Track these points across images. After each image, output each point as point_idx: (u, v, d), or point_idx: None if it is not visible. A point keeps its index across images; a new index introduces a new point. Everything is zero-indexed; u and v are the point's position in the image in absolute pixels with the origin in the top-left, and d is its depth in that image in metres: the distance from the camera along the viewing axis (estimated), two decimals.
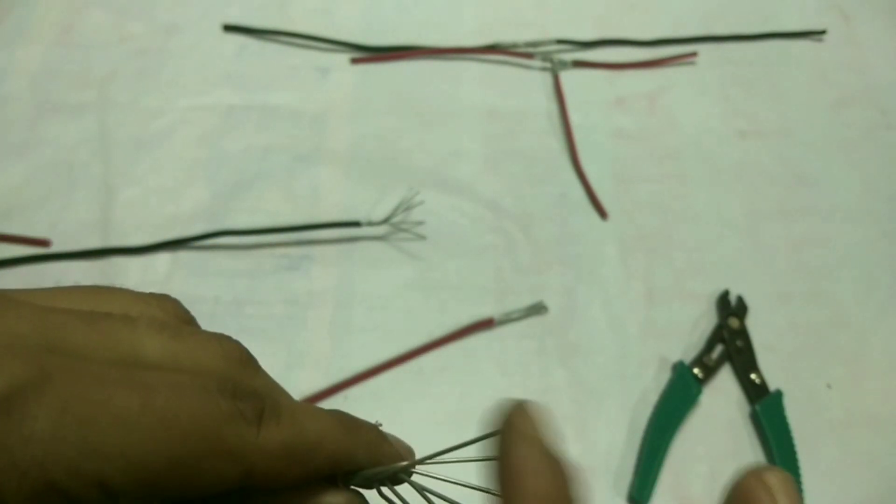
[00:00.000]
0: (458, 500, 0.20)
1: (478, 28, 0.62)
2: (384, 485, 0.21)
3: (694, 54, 0.61)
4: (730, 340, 0.48)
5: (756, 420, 0.46)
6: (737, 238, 0.53)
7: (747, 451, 0.46)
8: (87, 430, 0.15)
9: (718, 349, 0.48)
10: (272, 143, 0.56)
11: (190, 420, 0.17)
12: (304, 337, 0.48)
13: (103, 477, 0.15)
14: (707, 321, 0.50)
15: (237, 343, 0.20)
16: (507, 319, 0.49)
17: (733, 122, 0.59)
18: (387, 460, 0.21)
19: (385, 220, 0.51)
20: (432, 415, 0.45)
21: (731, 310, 0.49)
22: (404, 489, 0.21)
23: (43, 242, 0.50)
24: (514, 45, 0.60)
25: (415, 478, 0.21)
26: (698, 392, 0.46)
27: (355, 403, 0.45)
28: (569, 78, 0.59)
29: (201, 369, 0.19)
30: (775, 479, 0.18)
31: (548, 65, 0.60)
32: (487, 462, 0.20)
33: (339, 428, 0.20)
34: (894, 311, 0.51)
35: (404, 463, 0.21)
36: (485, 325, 0.48)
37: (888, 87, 0.61)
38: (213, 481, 0.17)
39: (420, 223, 0.52)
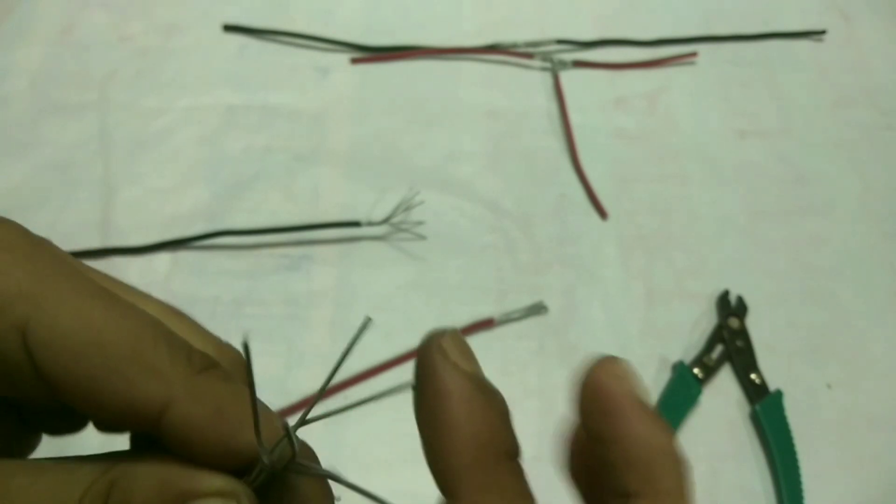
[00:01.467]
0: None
1: (478, 28, 0.62)
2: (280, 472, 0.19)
3: (694, 54, 0.61)
4: (730, 340, 0.48)
5: (756, 420, 0.46)
6: (737, 238, 0.53)
7: (747, 451, 0.46)
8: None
9: (718, 349, 0.48)
10: (272, 143, 0.56)
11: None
12: (304, 337, 0.48)
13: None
14: (707, 321, 0.50)
15: None
16: (507, 319, 0.49)
17: (733, 122, 0.59)
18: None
19: (385, 220, 0.51)
20: None
21: (731, 310, 0.49)
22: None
23: None
24: (514, 45, 0.60)
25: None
26: (698, 392, 0.46)
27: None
28: (569, 78, 0.59)
29: None
30: (619, 366, 0.19)
31: (548, 65, 0.60)
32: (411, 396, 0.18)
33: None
34: (894, 311, 0.51)
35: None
36: (485, 325, 0.48)
37: (888, 87, 0.61)
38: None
39: (420, 223, 0.52)
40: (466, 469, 0.17)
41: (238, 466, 0.18)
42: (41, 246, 0.19)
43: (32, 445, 0.23)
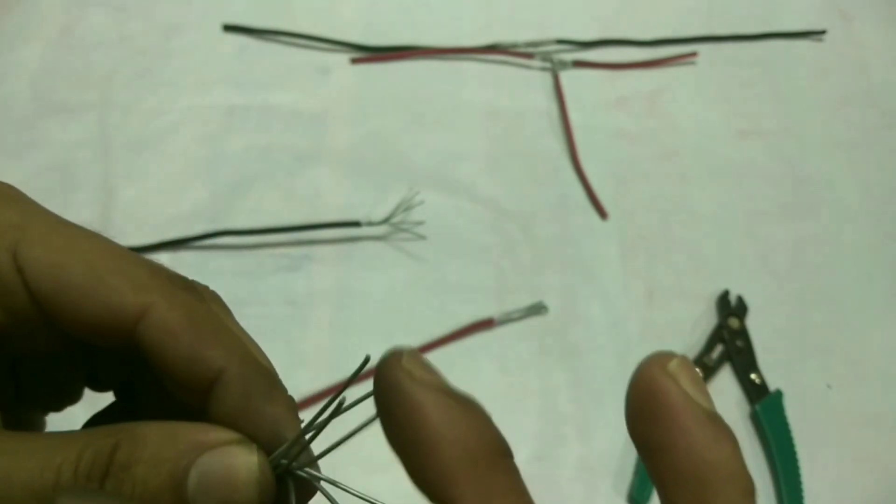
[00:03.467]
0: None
1: (478, 28, 0.62)
2: (300, 475, 0.19)
3: (694, 54, 0.61)
4: (730, 340, 0.48)
5: (756, 420, 0.46)
6: (737, 238, 0.53)
7: (747, 451, 0.46)
8: None
9: (718, 349, 0.48)
10: (272, 143, 0.56)
11: None
12: (304, 337, 0.48)
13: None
14: (707, 321, 0.49)
15: None
16: (507, 319, 0.49)
17: (733, 122, 0.59)
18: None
19: (385, 220, 0.51)
20: None
21: (731, 310, 0.49)
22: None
23: None
24: (514, 45, 0.60)
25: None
26: None
27: (355, 409, 0.45)
28: (569, 78, 0.59)
29: None
30: (675, 363, 0.16)
31: (548, 65, 0.60)
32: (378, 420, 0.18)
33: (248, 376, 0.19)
34: (894, 311, 0.51)
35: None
36: (485, 325, 0.48)
37: (888, 87, 0.61)
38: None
39: (420, 223, 0.52)
40: (461, 476, 0.16)
41: (204, 379, 0.19)
42: (35, 203, 0.21)
43: (38, 427, 0.23)
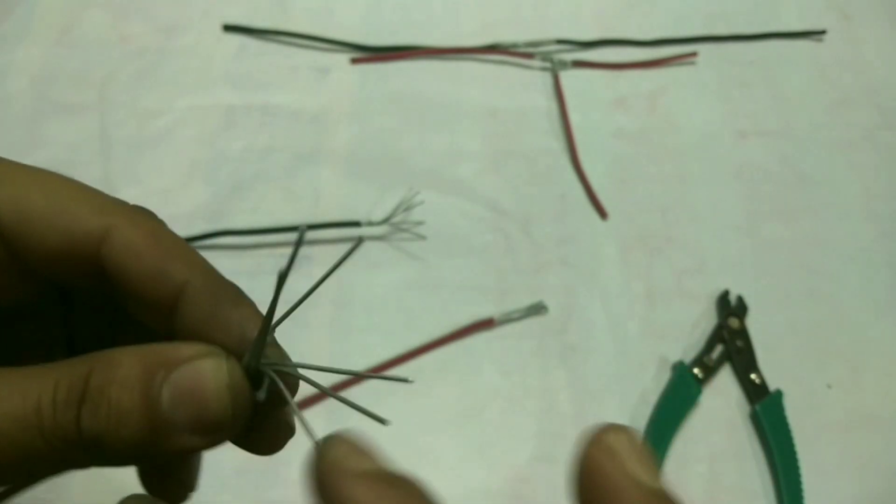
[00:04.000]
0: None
1: (478, 28, 0.62)
2: (268, 371, 0.19)
3: (694, 54, 0.61)
4: (730, 340, 0.48)
5: (756, 420, 0.46)
6: (737, 238, 0.53)
7: (747, 451, 0.46)
8: None
9: (718, 349, 0.48)
10: (272, 143, 0.56)
11: None
12: (304, 337, 0.48)
13: None
14: (707, 321, 0.50)
15: None
16: (507, 319, 0.49)
17: (733, 122, 0.59)
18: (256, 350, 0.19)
19: (385, 220, 0.51)
20: (432, 415, 0.45)
21: (731, 310, 0.49)
22: None
23: None
24: (514, 45, 0.60)
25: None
26: (698, 392, 0.46)
27: (355, 401, 0.45)
28: (569, 78, 0.59)
29: None
30: (617, 439, 0.16)
31: (548, 65, 0.60)
32: None
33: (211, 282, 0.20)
34: (894, 311, 0.51)
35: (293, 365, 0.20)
36: (485, 325, 0.48)
37: (888, 87, 0.61)
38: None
39: (420, 223, 0.52)
40: None
41: (169, 295, 0.19)
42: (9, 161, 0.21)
43: None
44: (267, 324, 0.19)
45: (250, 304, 0.21)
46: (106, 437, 0.17)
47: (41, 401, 0.17)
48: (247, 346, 0.19)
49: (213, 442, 0.18)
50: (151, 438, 0.17)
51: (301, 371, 0.20)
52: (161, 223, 0.21)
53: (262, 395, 0.19)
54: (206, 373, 0.18)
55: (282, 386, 0.19)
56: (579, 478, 0.17)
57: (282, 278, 0.17)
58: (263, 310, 0.19)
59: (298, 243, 0.18)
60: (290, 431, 0.22)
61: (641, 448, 0.16)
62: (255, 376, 0.19)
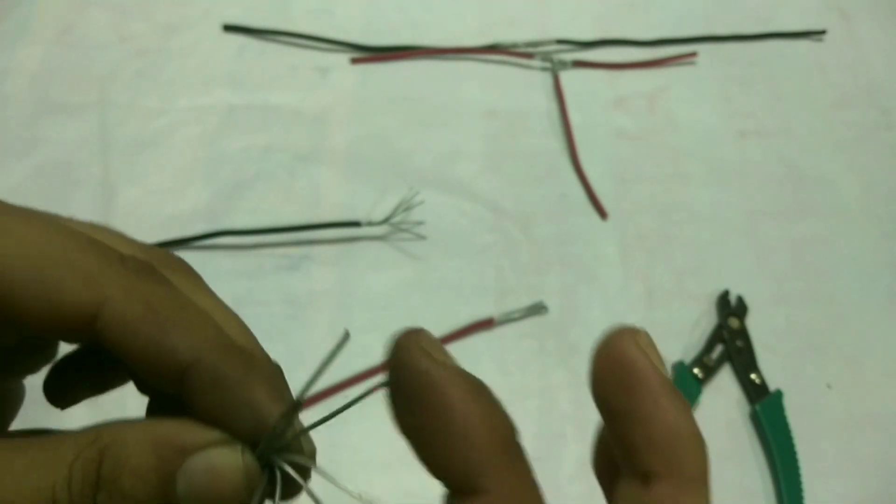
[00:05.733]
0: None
1: (478, 28, 0.62)
2: (283, 461, 0.18)
3: (694, 54, 0.61)
4: (730, 340, 0.48)
5: (756, 420, 0.46)
6: (737, 238, 0.53)
7: (747, 451, 0.46)
8: None
9: (718, 349, 0.48)
10: (272, 143, 0.56)
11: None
12: (303, 337, 0.48)
13: None
14: (707, 321, 0.50)
15: None
16: (507, 319, 0.49)
17: (733, 122, 0.59)
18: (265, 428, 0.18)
19: (385, 220, 0.51)
20: None
21: (731, 310, 0.49)
22: None
23: None
24: (514, 45, 0.60)
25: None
26: (698, 392, 0.46)
27: (356, 405, 0.45)
28: (569, 78, 0.59)
29: None
30: (644, 338, 0.18)
31: (548, 65, 0.60)
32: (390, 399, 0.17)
33: (222, 352, 0.18)
34: (894, 311, 0.51)
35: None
36: (485, 325, 0.48)
37: (888, 87, 0.61)
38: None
39: (420, 223, 0.52)
40: (491, 466, 0.16)
41: (173, 372, 0.18)
42: None
43: (18, 397, 0.23)
44: (284, 417, 0.18)
45: (264, 377, 0.19)
46: None
47: (56, 492, 0.17)
48: (260, 427, 0.18)
49: None
50: None
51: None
52: (159, 283, 0.19)
53: (279, 489, 0.19)
54: (221, 466, 0.18)
55: (299, 479, 0.18)
56: (608, 367, 0.18)
57: (299, 402, 0.17)
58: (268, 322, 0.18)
59: (338, 347, 0.18)
60: (300, 490, 0.21)
61: (657, 349, 0.18)
62: (270, 464, 0.19)
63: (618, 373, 0.17)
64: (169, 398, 0.19)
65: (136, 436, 0.17)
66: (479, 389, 0.17)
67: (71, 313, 0.18)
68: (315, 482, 0.19)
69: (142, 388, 0.21)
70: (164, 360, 0.18)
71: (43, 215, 0.19)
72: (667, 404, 0.17)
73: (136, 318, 0.18)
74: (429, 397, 0.17)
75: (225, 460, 0.18)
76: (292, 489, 0.19)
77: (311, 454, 0.20)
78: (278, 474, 0.19)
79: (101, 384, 0.23)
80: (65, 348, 0.23)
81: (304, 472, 0.19)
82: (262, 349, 0.21)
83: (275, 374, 0.20)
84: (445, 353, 0.17)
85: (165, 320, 0.18)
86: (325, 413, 0.19)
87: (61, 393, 0.22)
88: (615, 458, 0.18)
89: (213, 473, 0.17)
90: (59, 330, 0.18)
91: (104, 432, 0.18)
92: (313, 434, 0.20)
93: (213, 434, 0.18)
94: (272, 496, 0.19)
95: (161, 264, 0.20)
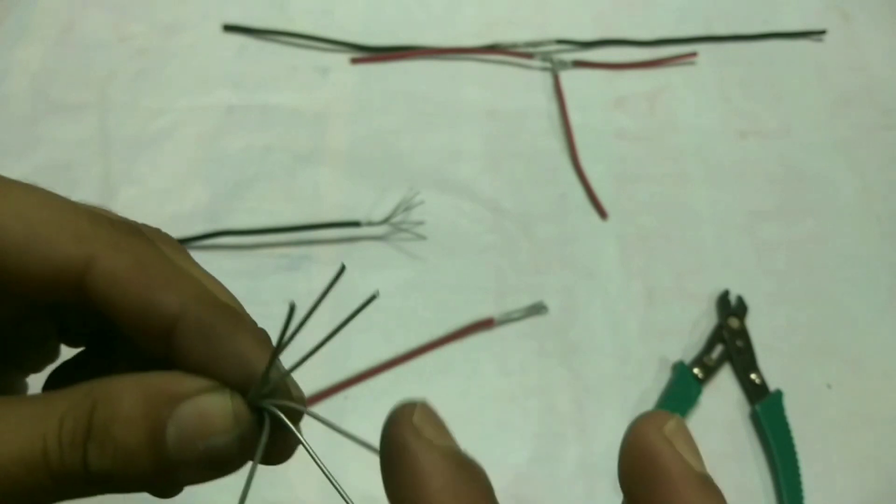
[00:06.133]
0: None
1: (478, 28, 0.62)
2: (272, 405, 0.19)
3: (694, 54, 0.61)
4: (730, 340, 0.48)
5: (756, 420, 0.46)
6: (737, 238, 0.53)
7: (747, 451, 0.46)
8: None
9: (718, 349, 0.48)
10: (272, 143, 0.56)
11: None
12: (304, 337, 0.47)
13: None
14: (707, 321, 0.50)
15: None
16: (507, 319, 0.49)
17: (733, 122, 0.59)
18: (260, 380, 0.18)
19: (385, 220, 0.51)
20: None
21: (731, 310, 0.49)
22: None
23: None
24: (514, 45, 0.60)
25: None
26: (698, 392, 0.46)
27: (355, 403, 0.46)
28: (569, 78, 0.59)
29: None
30: (671, 425, 0.17)
31: (548, 65, 0.60)
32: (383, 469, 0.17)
33: (212, 309, 0.19)
34: (894, 311, 0.51)
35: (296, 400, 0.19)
36: (485, 325, 0.48)
37: (888, 87, 0.61)
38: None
39: (420, 223, 0.52)
40: None
41: (162, 327, 0.18)
42: None
43: (19, 391, 0.23)
44: (272, 359, 0.18)
45: (250, 331, 0.20)
46: (113, 475, 0.17)
47: (47, 442, 0.17)
48: (249, 376, 0.19)
49: (220, 475, 0.18)
50: (158, 475, 0.17)
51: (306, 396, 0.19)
52: (147, 243, 0.20)
53: (266, 431, 0.19)
54: (211, 411, 0.18)
55: (289, 424, 0.19)
56: (633, 458, 0.17)
57: (291, 311, 0.17)
58: (264, 310, 0.18)
59: (289, 318, 0.18)
60: (296, 443, 0.21)
61: (690, 435, 0.17)
62: (260, 409, 0.19)
63: (642, 464, 0.17)
64: (160, 364, 0.19)
65: (128, 386, 0.18)
66: (464, 476, 0.16)
67: (61, 268, 0.18)
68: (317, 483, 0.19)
69: (136, 367, 0.21)
70: (152, 315, 0.18)
71: (40, 188, 0.20)
72: (690, 496, 0.16)
73: (124, 273, 0.18)
74: (406, 481, 0.16)
75: (214, 405, 0.18)
76: (284, 436, 0.19)
77: (301, 400, 0.20)
78: (267, 418, 0.19)
79: None
80: (66, 352, 0.23)
81: (296, 418, 0.19)
82: (247, 312, 0.21)
83: (261, 331, 0.20)
84: (441, 432, 0.17)
85: (154, 276, 0.19)
86: (325, 414, 0.19)
87: None
88: None
89: (203, 418, 0.18)
90: (51, 287, 0.18)
91: (97, 385, 0.18)
92: (312, 423, 0.20)
93: (202, 382, 0.18)
94: (264, 443, 0.19)
95: (150, 234, 0.21)
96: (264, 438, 0.19)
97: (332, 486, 0.19)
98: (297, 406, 0.19)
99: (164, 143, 0.55)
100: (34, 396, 0.18)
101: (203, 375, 0.18)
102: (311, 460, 0.19)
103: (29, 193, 0.19)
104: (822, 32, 0.64)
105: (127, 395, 0.17)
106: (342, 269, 0.18)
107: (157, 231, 0.22)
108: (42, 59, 0.59)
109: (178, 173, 0.54)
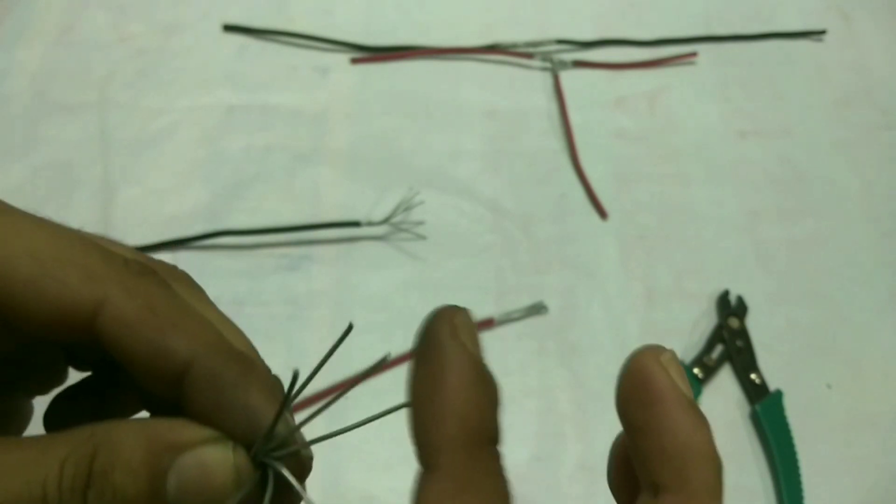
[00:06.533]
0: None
1: (478, 28, 0.62)
2: (276, 461, 0.18)
3: (694, 54, 0.61)
4: (730, 340, 0.48)
5: (756, 420, 0.46)
6: (737, 238, 0.53)
7: (747, 451, 0.46)
8: None
9: (718, 349, 0.48)
10: (272, 143, 0.56)
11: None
12: (304, 337, 0.48)
13: None
14: (707, 321, 0.50)
15: None
16: (507, 319, 0.49)
17: (733, 122, 0.59)
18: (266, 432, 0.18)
19: (385, 220, 0.51)
20: None
21: (731, 310, 0.49)
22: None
23: None
24: (514, 45, 0.60)
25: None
26: (698, 392, 0.46)
27: (355, 403, 0.45)
28: (569, 78, 0.59)
29: None
30: (666, 356, 0.19)
31: (548, 65, 0.60)
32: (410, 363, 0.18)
33: (220, 356, 0.18)
34: (894, 311, 0.51)
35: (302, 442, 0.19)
36: (485, 325, 0.48)
37: (888, 87, 0.61)
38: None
39: (420, 223, 0.52)
40: (450, 446, 0.17)
41: (171, 374, 0.18)
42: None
43: (26, 417, 0.23)
44: (277, 415, 0.18)
45: (261, 381, 0.19)
46: None
47: (47, 488, 0.17)
48: (256, 429, 0.18)
49: None
50: None
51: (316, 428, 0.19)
52: (161, 285, 0.19)
53: (270, 491, 0.19)
54: (212, 463, 0.17)
55: (293, 481, 0.19)
56: (631, 383, 0.19)
57: (294, 377, 0.17)
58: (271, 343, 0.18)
59: (341, 340, 0.18)
60: (298, 499, 0.21)
61: (681, 368, 0.19)
62: (264, 464, 0.18)
63: (637, 387, 0.19)
64: (169, 409, 0.19)
65: (130, 433, 0.17)
66: (480, 383, 0.18)
67: (71, 310, 0.18)
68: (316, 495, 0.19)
69: (144, 402, 0.21)
70: (162, 362, 0.18)
71: (50, 221, 0.19)
72: (681, 418, 0.18)
73: (136, 317, 0.18)
74: (431, 371, 0.18)
75: (216, 457, 0.18)
76: (289, 492, 0.19)
77: (308, 459, 0.20)
78: (270, 475, 0.18)
79: (102, 414, 0.22)
80: (74, 376, 0.23)
81: (302, 473, 0.19)
82: (261, 359, 0.21)
83: (273, 381, 0.20)
84: (473, 339, 0.19)
85: (165, 321, 0.18)
86: (325, 414, 0.19)
87: (62, 423, 0.22)
88: (635, 474, 0.19)
89: (204, 470, 0.17)
90: (60, 327, 0.18)
91: (99, 430, 0.17)
92: (313, 423, 0.20)
93: (206, 432, 0.18)
94: (268, 499, 0.18)
95: (164, 273, 0.20)
96: (269, 496, 0.18)
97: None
98: (303, 451, 0.19)
99: (164, 143, 0.55)
100: (35, 438, 0.18)
101: (209, 425, 0.18)
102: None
103: (39, 227, 0.19)
104: (822, 32, 0.64)
105: (129, 442, 0.17)
106: (350, 327, 0.19)
107: (174, 269, 0.21)
108: (42, 59, 0.59)
109: (178, 173, 0.54)
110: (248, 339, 0.21)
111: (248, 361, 0.19)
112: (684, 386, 0.18)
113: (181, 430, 0.18)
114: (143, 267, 0.19)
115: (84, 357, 0.23)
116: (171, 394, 0.19)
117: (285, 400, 0.18)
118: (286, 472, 0.18)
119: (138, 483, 0.17)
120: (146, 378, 0.19)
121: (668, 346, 0.19)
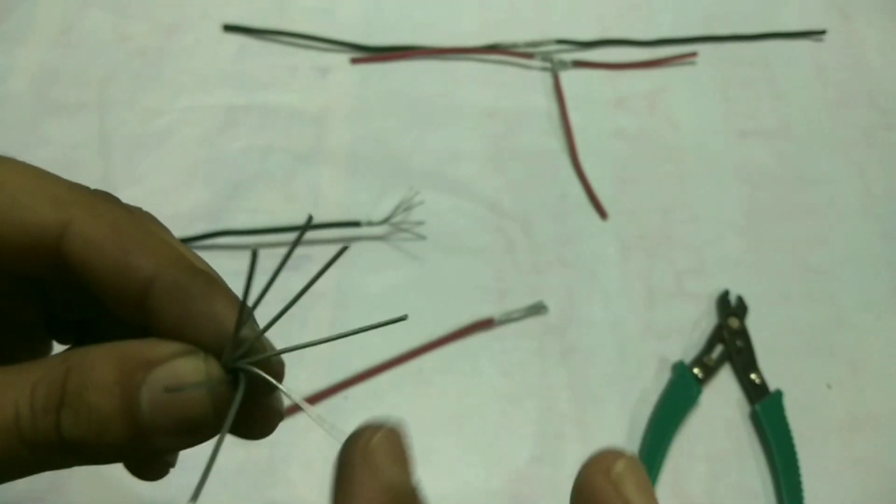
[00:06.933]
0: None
1: (478, 28, 0.62)
2: (247, 368, 0.18)
3: (694, 54, 0.61)
4: (730, 340, 0.48)
5: (756, 420, 0.46)
6: (737, 238, 0.53)
7: (747, 451, 0.46)
8: None
9: (718, 349, 0.48)
10: (272, 143, 0.56)
11: None
12: (304, 337, 0.47)
13: None
14: (707, 321, 0.50)
15: None
16: (507, 319, 0.49)
17: (733, 122, 0.59)
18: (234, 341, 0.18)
19: (385, 220, 0.51)
20: (432, 414, 0.45)
21: (731, 310, 0.49)
22: None
23: None
24: (514, 45, 0.60)
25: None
26: (698, 392, 0.46)
27: (355, 403, 0.45)
28: (569, 78, 0.59)
29: None
30: (620, 466, 0.17)
31: (548, 65, 0.60)
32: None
33: (183, 272, 0.19)
34: (894, 311, 0.51)
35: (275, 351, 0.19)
36: (485, 325, 0.48)
37: (888, 87, 0.61)
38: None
39: (420, 223, 0.52)
40: None
41: (136, 291, 0.18)
42: None
43: None
44: (242, 317, 0.18)
45: (225, 295, 0.20)
46: (87, 443, 0.17)
47: (19, 407, 0.17)
48: (224, 338, 0.18)
49: (196, 442, 0.18)
50: (133, 442, 0.17)
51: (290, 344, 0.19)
52: (124, 210, 0.20)
53: (241, 391, 0.19)
54: (184, 374, 0.18)
55: (265, 376, 0.19)
56: (576, 499, 0.17)
57: (254, 256, 0.17)
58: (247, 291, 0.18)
59: (304, 230, 0.18)
60: (278, 416, 0.21)
61: (640, 474, 0.17)
62: (236, 371, 0.19)
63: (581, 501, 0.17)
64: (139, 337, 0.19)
65: (102, 353, 0.18)
66: None
67: (39, 232, 0.18)
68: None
69: (108, 328, 0.21)
70: (127, 279, 0.18)
71: (19, 161, 0.20)
72: None
73: (101, 237, 0.19)
74: (340, 499, 0.17)
75: (188, 367, 0.18)
76: (264, 402, 0.19)
77: (280, 365, 0.20)
78: (242, 378, 0.18)
79: None
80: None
81: (278, 370, 0.20)
82: (223, 279, 0.21)
83: (236, 296, 0.20)
84: (393, 459, 0.17)
85: (129, 240, 0.19)
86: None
87: None
88: None
89: (177, 381, 0.17)
90: (29, 252, 0.18)
91: (72, 354, 0.18)
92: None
93: (176, 346, 0.18)
94: (241, 404, 0.18)
95: (130, 208, 0.21)
96: (239, 397, 0.18)
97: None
98: (273, 358, 0.19)
99: (164, 143, 0.55)
100: (9, 366, 0.18)
101: (178, 340, 0.18)
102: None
103: (7, 163, 0.19)
104: (822, 32, 0.64)
105: (101, 362, 0.17)
106: (344, 248, 0.18)
107: (139, 208, 0.22)
108: (42, 59, 0.59)
109: (178, 173, 0.54)
110: (208, 263, 0.21)
111: (210, 276, 0.20)
112: (641, 498, 0.16)
113: (152, 347, 0.18)
114: (108, 195, 0.20)
115: (62, 315, 0.23)
116: (138, 316, 0.19)
117: (245, 295, 0.18)
118: (258, 371, 0.18)
119: (112, 401, 0.17)
120: (113, 300, 0.19)
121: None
